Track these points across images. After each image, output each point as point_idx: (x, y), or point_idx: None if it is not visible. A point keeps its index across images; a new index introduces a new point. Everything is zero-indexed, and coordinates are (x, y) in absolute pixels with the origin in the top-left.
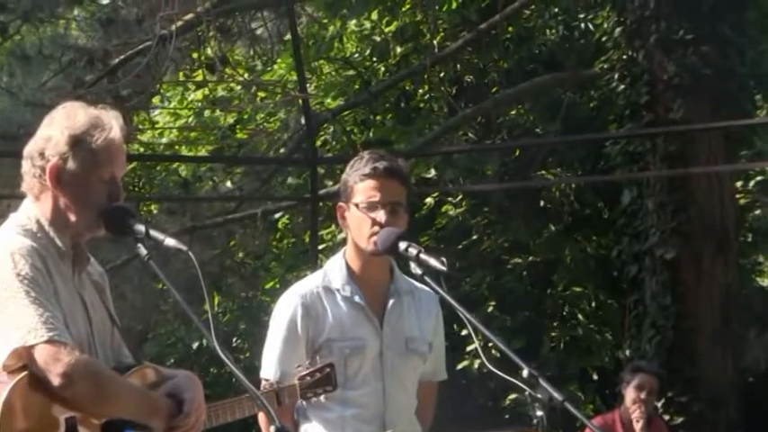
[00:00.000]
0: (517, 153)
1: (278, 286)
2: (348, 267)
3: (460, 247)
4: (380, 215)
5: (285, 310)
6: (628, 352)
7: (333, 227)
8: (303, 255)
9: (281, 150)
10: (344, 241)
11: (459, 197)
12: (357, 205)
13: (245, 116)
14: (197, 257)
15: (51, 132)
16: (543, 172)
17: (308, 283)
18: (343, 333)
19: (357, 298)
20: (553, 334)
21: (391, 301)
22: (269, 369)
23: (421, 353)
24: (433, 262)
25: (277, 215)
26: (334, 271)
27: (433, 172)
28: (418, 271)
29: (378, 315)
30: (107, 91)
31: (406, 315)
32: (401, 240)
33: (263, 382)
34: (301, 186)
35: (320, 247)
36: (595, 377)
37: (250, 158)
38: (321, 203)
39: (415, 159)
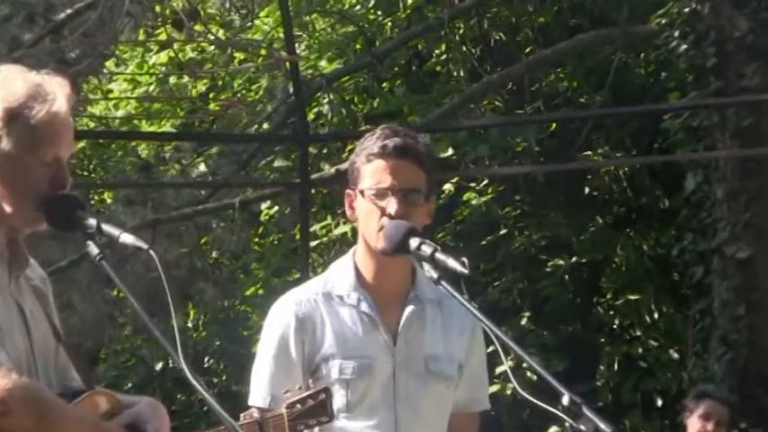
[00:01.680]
0: (555, 128)
1: (261, 293)
2: (357, 270)
3: (485, 244)
4: (390, 204)
5: (276, 321)
6: (692, 373)
7: (328, 219)
8: (292, 254)
9: (265, 126)
10: (343, 238)
11: (484, 182)
12: (363, 192)
13: (220, 83)
14: (161, 257)
15: None
16: (588, 152)
17: (306, 290)
18: (346, 349)
19: (365, 306)
20: (603, 352)
21: (408, 311)
22: (258, 395)
23: (446, 376)
24: (451, 263)
25: (260, 206)
26: (338, 274)
27: (451, 151)
28: (433, 274)
29: (391, 328)
30: (50, 53)
31: (428, 328)
32: (412, 236)
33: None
34: (289, 170)
35: (312, 244)
36: (660, 402)
37: (226, 135)
38: (314, 191)
39: (430, 136)
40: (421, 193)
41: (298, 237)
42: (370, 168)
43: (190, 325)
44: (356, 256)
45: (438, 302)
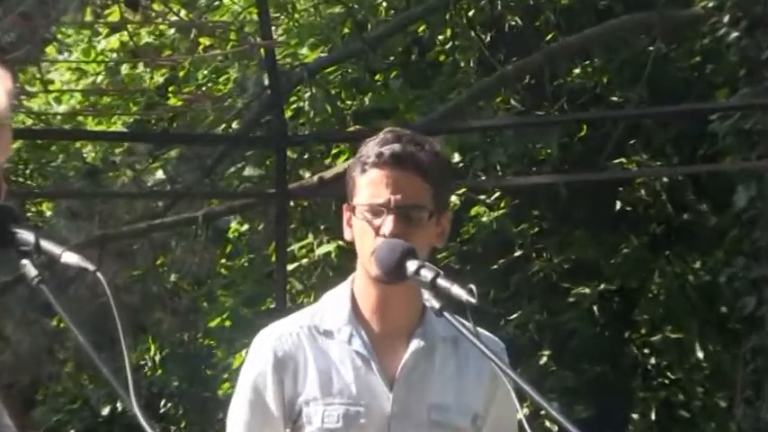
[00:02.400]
0: (581, 131)
1: (228, 325)
2: (354, 301)
3: (497, 268)
4: (386, 223)
5: (253, 359)
6: (741, 424)
7: (309, 237)
8: (266, 279)
9: (235, 125)
10: (326, 259)
11: (496, 195)
12: (354, 208)
13: (182, 74)
14: (110, 281)
15: None
16: (621, 159)
17: (290, 322)
18: (332, 393)
19: (357, 343)
20: (637, 397)
21: (413, 349)
22: None
23: (454, 428)
24: (455, 290)
25: (228, 220)
26: (331, 305)
27: (457, 157)
28: (435, 304)
29: (390, 370)
30: None
31: (437, 371)
32: (409, 258)
33: None
34: (263, 178)
35: (290, 267)
36: None
37: (188, 136)
38: (292, 203)
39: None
40: (424, 209)
41: (273, 258)
42: (365, 180)
43: (144, 362)
44: (355, 284)
45: (453, 341)
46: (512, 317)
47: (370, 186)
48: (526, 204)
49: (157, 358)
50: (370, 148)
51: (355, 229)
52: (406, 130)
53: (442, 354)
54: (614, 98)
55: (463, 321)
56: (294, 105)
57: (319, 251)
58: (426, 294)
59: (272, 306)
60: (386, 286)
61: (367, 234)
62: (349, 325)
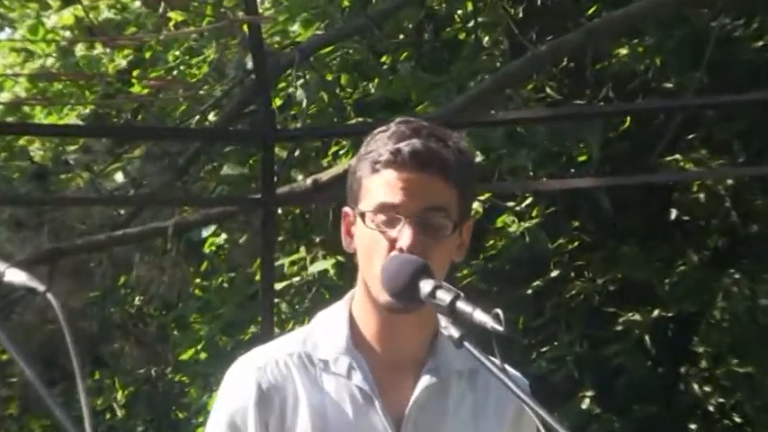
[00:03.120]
0: (629, 124)
1: (203, 357)
2: (352, 325)
3: (530, 291)
4: (404, 235)
5: (229, 393)
6: None
7: (302, 251)
8: (249, 302)
9: (212, 117)
10: (322, 278)
11: (527, 201)
12: (363, 215)
13: (148, 56)
14: (63, 304)
15: None
16: (677, 158)
17: (276, 349)
18: None
19: (358, 377)
20: None
21: (423, 385)
22: None
23: None
24: (478, 316)
25: (204, 232)
26: (325, 330)
27: (479, 157)
28: (453, 332)
29: (396, 409)
30: None
31: (452, 411)
32: (423, 277)
33: None
34: (247, 180)
35: (279, 286)
36: None
37: (156, 131)
38: (281, 211)
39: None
40: (449, 219)
41: (258, 277)
42: (376, 182)
43: (104, 401)
44: (353, 304)
45: (470, 375)
46: (546, 349)
47: (383, 189)
48: (563, 213)
49: (119, 397)
50: (382, 142)
51: (360, 240)
52: (422, 122)
53: (457, 390)
54: (668, 85)
55: (480, 353)
56: (284, 93)
57: (313, 268)
58: (443, 321)
59: (256, 333)
60: (395, 314)
61: (377, 247)
62: (347, 354)
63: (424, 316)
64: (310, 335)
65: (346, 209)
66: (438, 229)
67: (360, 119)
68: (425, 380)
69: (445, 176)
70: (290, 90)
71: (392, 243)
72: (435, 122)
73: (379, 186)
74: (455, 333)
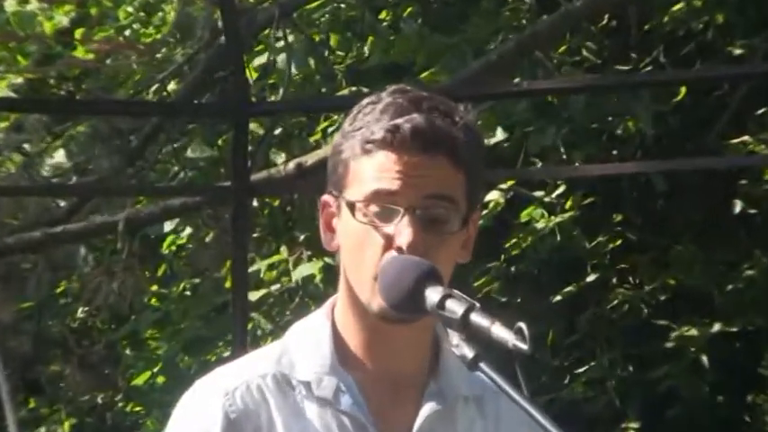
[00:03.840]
0: (683, 96)
1: (160, 382)
2: (336, 338)
3: (560, 298)
4: (402, 231)
5: (189, 423)
6: None
7: (282, 252)
8: (218, 315)
9: (173, 87)
10: (306, 286)
11: (559, 190)
12: (353, 206)
13: (94, 12)
14: None
15: None
16: (744, 139)
17: (245, 369)
18: None
19: (347, 402)
20: None
21: (426, 412)
22: None
23: None
24: (497, 331)
25: (162, 228)
26: (304, 345)
27: (500, 135)
28: (466, 351)
29: None
30: None
31: None
32: (430, 283)
33: None
34: (214, 165)
35: (254, 296)
36: None
37: (103, 104)
38: (256, 202)
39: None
40: (457, 212)
41: (228, 284)
42: (368, 165)
43: None
44: (336, 313)
45: (477, 401)
46: (581, 370)
47: (377, 175)
48: (604, 205)
49: (60, 431)
50: (374, 117)
51: (346, 237)
52: (421, 91)
53: (463, 417)
54: (733, 49)
55: (500, 378)
56: (260, 59)
57: (297, 273)
58: (455, 337)
59: (226, 354)
60: (383, 320)
61: (369, 245)
62: (333, 374)
63: (422, 327)
64: (286, 351)
65: (326, 197)
66: (444, 224)
67: (353, 89)
68: (429, 406)
69: (453, 159)
70: (268, 54)
71: (388, 240)
72: (443, 93)
73: (373, 171)
74: (468, 353)
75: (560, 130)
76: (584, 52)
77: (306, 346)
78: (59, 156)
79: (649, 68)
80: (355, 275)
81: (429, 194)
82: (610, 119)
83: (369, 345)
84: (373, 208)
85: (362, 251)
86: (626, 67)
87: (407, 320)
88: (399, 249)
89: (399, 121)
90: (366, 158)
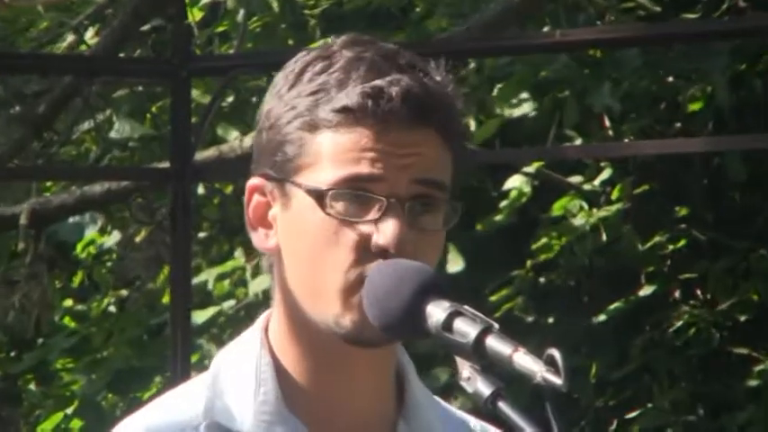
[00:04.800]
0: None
1: (75, 428)
2: (279, 371)
3: (606, 318)
4: (387, 227)
5: None
6: None
7: (238, 257)
8: (153, 339)
9: (90, 38)
10: (266, 300)
11: (603, 175)
12: (321, 196)
13: None
14: None
15: None
16: None
17: (168, 418)
18: None
19: None
20: None
21: None
22: None
23: None
24: (522, 360)
25: (80, 224)
26: (239, 382)
27: (527, 107)
28: (481, 387)
29: None
30: None
31: None
32: (432, 297)
33: None
34: (148, 141)
35: (199, 316)
36: None
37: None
38: (203, 189)
39: (477, 72)
40: (445, 199)
41: (165, 298)
42: (337, 141)
43: None
44: (272, 335)
45: None
46: (633, 414)
47: (352, 156)
48: (663, 195)
49: None
50: (337, 77)
51: (299, 235)
52: (386, 44)
53: None
54: None
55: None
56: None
57: (257, 285)
58: (465, 368)
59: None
60: (344, 346)
61: (337, 246)
62: (281, 423)
63: (387, 350)
64: (218, 392)
65: (258, 181)
66: (435, 216)
67: (327, 40)
68: None
69: (443, 134)
70: None
71: (364, 240)
72: (448, 50)
73: (345, 150)
74: (484, 389)
75: (605, 95)
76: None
77: (241, 384)
78: None
79: (725, 18)
80: (312, 285)
81: (418, 179)
82: (671, 80)
83: (321, 376)
84: (343, 197)
85: (327, 253)
86: (693, 15)
87: (381, 340)
88: (383, 251)
89: (380, 83)
90: (332, 133)
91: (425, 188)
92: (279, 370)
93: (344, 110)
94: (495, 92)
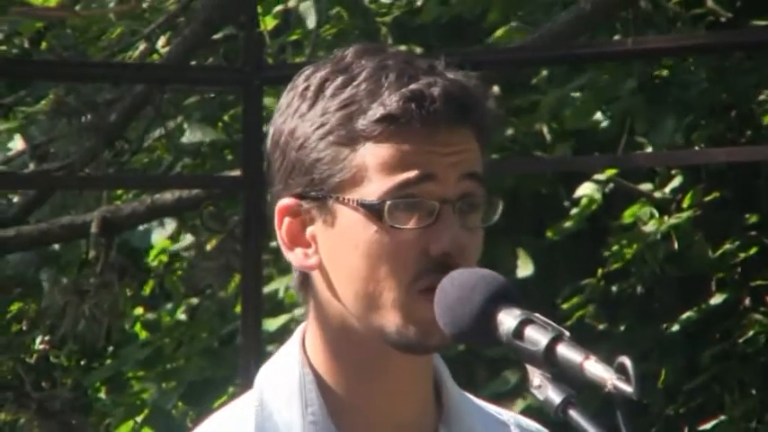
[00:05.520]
0: None
1: None
2: (320, 385)
3: (677, 327)
4: (443, 230)
5: None
6: None
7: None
8: (224, 347)
9: (161, 46)
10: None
11: (674, 183)
12: (379, 210)
13: None
14: None
15: None
16: None
17: (221, 425)
18: None
19: None
20: None
21: None
22: None
23: None
24: (592, 368)
25: (149, 231)
26: (283, 397)
27: (598, 114)
28: (551, 395)
29: None
30: None
31: None
32: (504, 305)
33: None
34: (219, 149)
35: (271, 324)
36: None
37: (70, 67)
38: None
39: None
40: (484, 194)
41: (237, 307)
42: (381, 153)
43: None
44: (311, 349)
45: None
46: (707, 427)
47: (400, 162)
48: (733, 203)
49: None
50: (366, 88)
51: (350, 249)
52: (394, 48)
53: None
54: None
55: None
56: (279, 9)
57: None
58: (536, 376)
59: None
60: (389, 356)
61: (394, 256)
62: (319, 425)
63: (423, 364)
64: (266, 414)
65: (291, 201)
66: (479, 214)
67: (403, 47)
68: None
69: (478, 132)
70: (290, 3)
71: (422, 245)
72: (518, 57)
73: (392, 158)
74: (555, 397)
75: (682, 119)
76: (709, 2)
77: (288, 403)
78: (14, 138)
79: None
80: (368, 298)
81: (465, 174)
82: (741, 91)
83: (365, 387)
84: (396, 207)
85: (384, 265)
86: (764, 22)
87: (438, 351)
88: (443, 256)
89: (419, 86)
90: (373, 144)
91: (471, 184)
92: (322, 386)
93: (386, 118)
94: (567, 111)
